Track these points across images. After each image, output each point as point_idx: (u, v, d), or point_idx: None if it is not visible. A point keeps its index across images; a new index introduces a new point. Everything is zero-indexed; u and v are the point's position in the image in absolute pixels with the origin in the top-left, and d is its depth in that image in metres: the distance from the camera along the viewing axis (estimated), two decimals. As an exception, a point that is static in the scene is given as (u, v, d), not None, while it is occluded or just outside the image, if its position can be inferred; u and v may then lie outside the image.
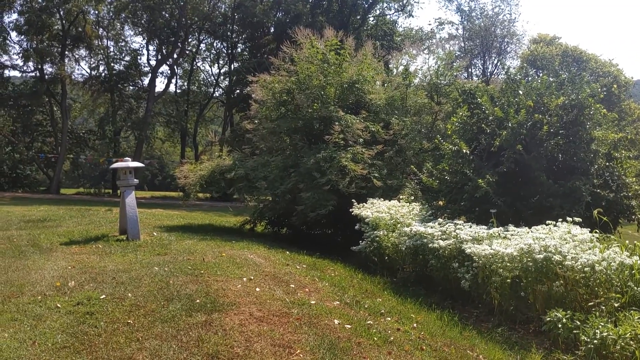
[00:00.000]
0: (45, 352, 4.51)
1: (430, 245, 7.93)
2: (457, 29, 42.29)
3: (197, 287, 6.36)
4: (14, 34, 34.77)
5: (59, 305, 5.64)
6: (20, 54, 33.85)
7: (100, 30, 37.27)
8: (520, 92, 9.76)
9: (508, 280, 6.66)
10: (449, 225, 8.07)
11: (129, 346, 4.67)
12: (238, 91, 36.46)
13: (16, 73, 36.65)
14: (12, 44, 35.33)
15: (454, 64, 14.92)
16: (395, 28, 38.67)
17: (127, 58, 39.20)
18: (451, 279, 7.75)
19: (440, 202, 10.15)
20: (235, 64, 40.05)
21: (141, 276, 6.79)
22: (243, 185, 12.67)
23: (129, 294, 6.02)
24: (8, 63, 34.66)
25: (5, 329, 4.97)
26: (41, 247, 9.04)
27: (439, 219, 8.91)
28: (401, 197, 11.46)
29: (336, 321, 5.57)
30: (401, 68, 14.64)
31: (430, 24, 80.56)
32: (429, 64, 43.79)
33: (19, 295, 6.00)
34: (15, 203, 20.37)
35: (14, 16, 35.59)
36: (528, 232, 7.03)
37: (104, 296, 5.93)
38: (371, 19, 38.30)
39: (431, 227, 8.29)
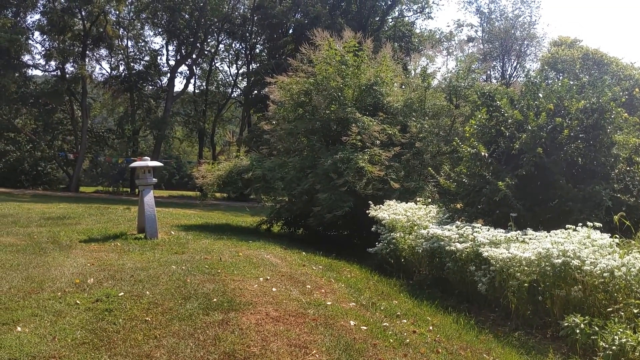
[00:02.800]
0: (65, 348, 4.57)
1: (447, 248, 7.89)
2: (476, 31, 42.02)
3: (214, 286, 6.40)
4: (36, 34, 35.42)
5: (78, 301, 5.72)
6: (43, 54, 34.42)
7: (121, 30, 37.82)
8: (540, 95, 9.67)
9: (525, 285, 6.61)
10: (466, 228, 8.01)
11: (147, 343, 4.73)
12: (256, 92, 36.59)
13: (38, 72, 37.37)
14: (35, 44, 36.08)
15: (474, 66, 14.78)
16: (413, 30, 38.49)
17: (147, 58, 39.57)
18: (468, 282, 7.71)
19: (458, 205, 10.10)
20: (254, 65, 40.24)
21: (159, 274, 6.85)
22: (260, 186, 12.73)
23: (147, 292, 6.09)
24: (30, 62, 35.27)
25: (26, 324, 5.05)
26: (61, 244, 9.16)
27: (457, 222, 8.87)
28: (418, 199, 11.41)
29: (352, 322, 5.58)
30: (419, 69, 14.57)
31: (449, 26, 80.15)
32: (447, 66, 43.48)
33: (39, 291, 6.09)
34: (35, 200, 20.64)
35: (37, 16, 36.15)
36: (546, 236, 6.95)
37: (122, 294, 6.00)
38: (390, 20, 38.18)
39: (448, 230, 8.23)
